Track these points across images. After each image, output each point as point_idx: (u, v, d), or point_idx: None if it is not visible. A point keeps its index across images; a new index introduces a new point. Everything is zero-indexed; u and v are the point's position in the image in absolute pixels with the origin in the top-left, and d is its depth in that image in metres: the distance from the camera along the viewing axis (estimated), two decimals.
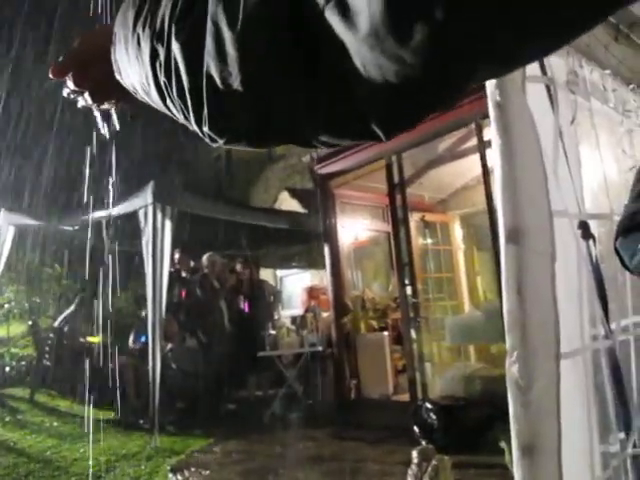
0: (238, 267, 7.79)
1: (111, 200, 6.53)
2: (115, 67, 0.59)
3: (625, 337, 2.06)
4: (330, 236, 6.82)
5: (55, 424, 6.64)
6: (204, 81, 0.43)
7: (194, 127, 0.48)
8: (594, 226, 1.96)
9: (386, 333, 6.77)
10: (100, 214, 7.14)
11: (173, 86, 0.47)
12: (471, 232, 7.78)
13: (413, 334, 6.02)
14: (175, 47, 0.45)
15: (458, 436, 4.31)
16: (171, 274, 6.46)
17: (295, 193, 9.79)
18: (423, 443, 4.32)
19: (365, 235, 7.79)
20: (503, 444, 3.19)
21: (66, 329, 8.34)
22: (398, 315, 6.80)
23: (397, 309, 6.91)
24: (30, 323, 9.31)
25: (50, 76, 0.68)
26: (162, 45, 0.47)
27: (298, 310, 8.67)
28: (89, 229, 7.94)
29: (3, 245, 8.17)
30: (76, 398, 7.46)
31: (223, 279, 7.48)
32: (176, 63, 0.45)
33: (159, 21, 0.47)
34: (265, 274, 9.50)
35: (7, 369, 8.53)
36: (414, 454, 3.08)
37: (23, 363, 8.78)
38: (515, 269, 1.64)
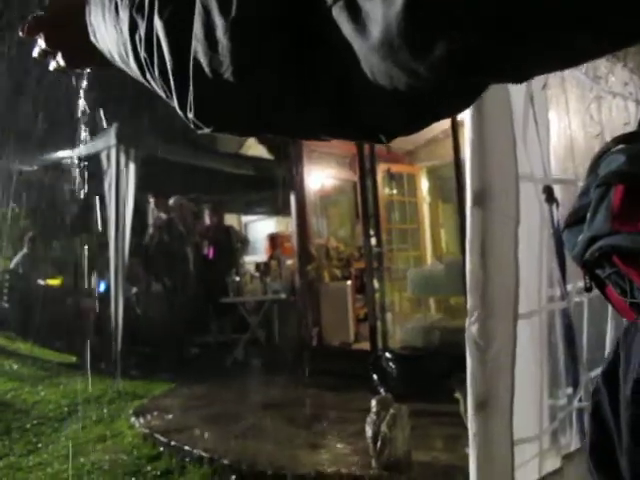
0: (205, 212, 7.71)
1: (74, 141, 6.34)
2: (90, 30, 0.56)
3: (579, 299, 2.13)
4: (296, 183, 6.79)
5: (15, 367, 6.61)
6: (190, 66, 0.41)
7: (177, 109, 0.46)
8: (558, 190, 2.00)
9: (349, 282, 6.86)
10: (61, 154, 6.94)
11: (155, 63, 0.44)
12: (437, 185, 7.84)
13: (376, 284, 6.11)
14: (158, 24, 0.42)
15: (416, 385, 4.45)
16: (136, 217, 6.37)
17: (262, 139, 9.64)
18: (382, 391, 4.46)
19: (331, 184, 7.78)
20: (458, 394, 3.31)
21: (21, 271, 8.21)
22: (362, 265, 6.88)
23: (361, 259, 6.99)
24: None
25: (20, 34, 0.64)
26: (142, 18, 0.44)
27: (262, 257, 8.69)
28: (49, 170, 7.74)
29: None
30: (36, 341, 7.42)
31: (189, 224, 7.42)
32: (158, 40, 0.43)
33: None
34: (230, 219, 9.44)
35: None
36: (373, 403, 3.17)
37: None
38: (480, 231, 1.67)
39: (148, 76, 0.47)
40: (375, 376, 4.75)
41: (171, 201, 7.36)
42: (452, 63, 0.30)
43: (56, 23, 0.63)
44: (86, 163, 6.45)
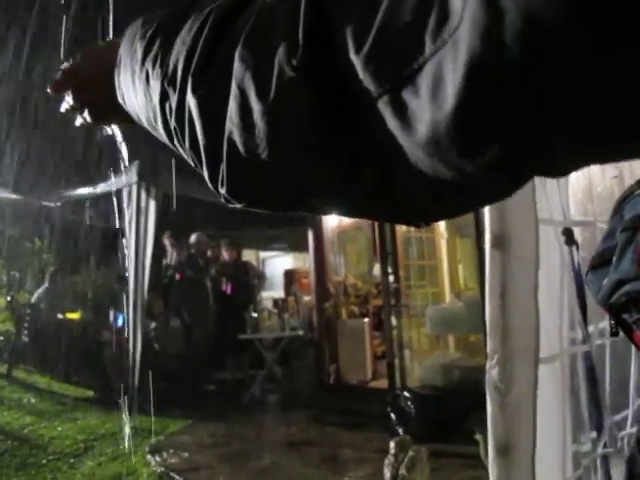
0: (223, 248, 7.77)
1: (96, 178, 6.48)
2: (119, 92, 0.57)
3: (601, 341, 2.10)
4: (314, 219, 6.83)
5: (33, 401, 6.63)
6: (224, 146, 0.41)
7: (207, 182, 0.46)
8: (577, 232, 1.99)
9: (367, 319, 6.83)
10: (84, 191, 7.07)
11: (186, 135, 0.45)
12: (454, 220, 7.82)
13: (393, 321, 6.08)
14: (191, 101, 0.43)
15: (434, 425, 4.38)
16: (157, 253, 6.45)
17: None
18: (400, 431, 4.40)
19: (348, 220, 7.80)
20: (478, 436, 3.25)
21: (42, 305, 8.29)
22: (379, 301, 6.85)
23: (378, 295, 6.97)
24: (9, 299, 9.22)
25: (49, 91, 0.66)
26: (174, 91, 0.45)
27: (279, 293, 8.69)
28: (72, 206, 7.88)
29: None
30: (54, 375, 7.45)
31: (209, 260, 7.48)
32: (190, 115, 0.43)
33: (172, 65, 0.45)
34: (248, 255, 9.49)
35: None
36: (391, 444, 3.13)
37: (1, 338, 8.71)
38: (499, 275, 1.67)
39: (176, 143, 0.48)
40: (393, 416, 4.68)
41: (192, 237, 7.45)
42: (504, 165, 0.29)
43: (83, 80, 0.64)
44: (108, 199, 6.57)
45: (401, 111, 0.30)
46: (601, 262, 0.87)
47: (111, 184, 6.35)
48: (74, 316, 8.24)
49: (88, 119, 0.67)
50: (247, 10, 0.42)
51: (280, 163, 0.39)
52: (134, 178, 6.03)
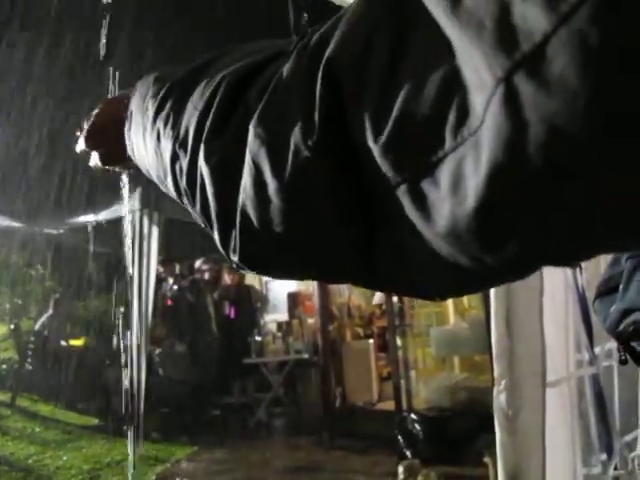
0: (225, 272, 7.77)
1: (99, 204, 6.51)
2: (128, 145, 0.58)
3: (608, 363, 2.10)
4: None
5: (37, 430, 6.58)
6: (238, 216, 0.41)
7: (218, 245, 0.47)
8: None
9: (371, 341, 6.80)
10: (86, 218, 7.10)
11: (197, 199, 0.45)
12: None
13: (398, 341, 6.06)
14: (204, 169, 0.43)
15: (443, 447, 4.35)
16: (160, 279, 6.45)
17: None
18: (408, 454, 4.36)
19: None
20: (487, 459, 3.23)
21: (46, 332, 8.27)
22: (383, 322, 6.83)
23: (382, 316, 6.95)
24: (12, 327, 9.20)
25: (77, 150, 0.70)
26: (185, 153, 0.45)
27: (283, 315, 8.66)
28: (73, 233, 7.90)
29: None
30: (58, 403, 7.40)
31: (212, 284, 7.48)
32: (202, 181, 0.44)
33: (183, 128, 0.46)
34: (250, 278, 9.48)
35: None
36: (400, 469, 3.11)
37: (4, 366, 8.67)
38: (504, 301, 1.68)
39: (186, 202, 0.48)
40: (401, 438, 4.65)
41: (197, 263, 7.47)
42: (523, 258, 0.30)
43: (96, 127, 0.67)
44: (110, 226, 6.60)
45: (421, 201, 0.30)
46: (608, 289, 0.87)
47: (114, 211, 6.38)
48: (78, 343, 8.23)
49: (99, 163, 0.69)
50: (262, 76, 0.42)
51: (294, 237, 0.39)
52: (137, 204, 6.06)
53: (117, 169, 0.75)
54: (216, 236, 0.45)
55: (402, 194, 0.31)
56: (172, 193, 0.51)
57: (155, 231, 6.07)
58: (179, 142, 0.46)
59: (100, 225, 6.95)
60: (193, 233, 7.02)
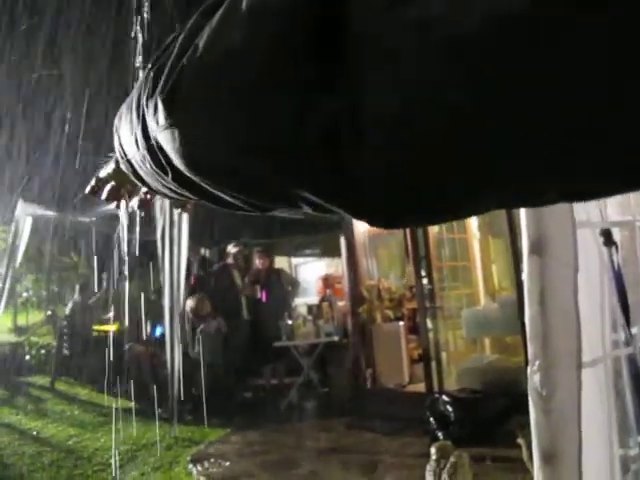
0: (256, 256, 7.81)
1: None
2: (117, 149, 0.61)
3: None
4: (345, 225, 6.83)
5: (76, 412, 6.76)
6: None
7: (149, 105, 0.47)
8: (616, 231, 1.95)
9: (402, 323, 6.79)
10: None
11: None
12: (486, 220, 7.73)
13: (429, 324, 6.04)
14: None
15: (475, 429, 4.33)
16: (191, 264, 6.52)
17: None
18: (439, 435, 4.36)
19: None
20: (520, 440, 3.20)
21: (78, 318, 8.45)
22: (414, 305, 6.81)
23: (412, 298, 6.92)
24: (49, 313, 9.44)
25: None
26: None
27: (313, 299, 8.70)
28: (105, 221, 8.01)
29: (21, 235, 8.28)
30: (95, 387, 7.59)
31: (243, 268, 7.55)
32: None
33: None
34: (280, 262, 9.53)
35: (27, 358, 8.67)
36: (432, 450, 3.10)
37: (43, 352, 8.91)
38: (538, 280, 1.65)
39: (149, 123, 0.49)
40: (432, 420, 4.65)
41: (229, 247, 7.54)
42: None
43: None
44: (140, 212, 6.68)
45: None
46: None
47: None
48: (112, 328, 8.39)
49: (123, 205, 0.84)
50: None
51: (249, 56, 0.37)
52: None
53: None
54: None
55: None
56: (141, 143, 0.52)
57: (185, 216, 6.12)
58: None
59: (131, 212, 7.05)
60: (223, 217, 7.08)
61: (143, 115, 0.47)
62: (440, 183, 0.31)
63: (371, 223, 0.39)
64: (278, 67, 0.34)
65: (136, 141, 0.51)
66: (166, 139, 0.44)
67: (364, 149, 0.31)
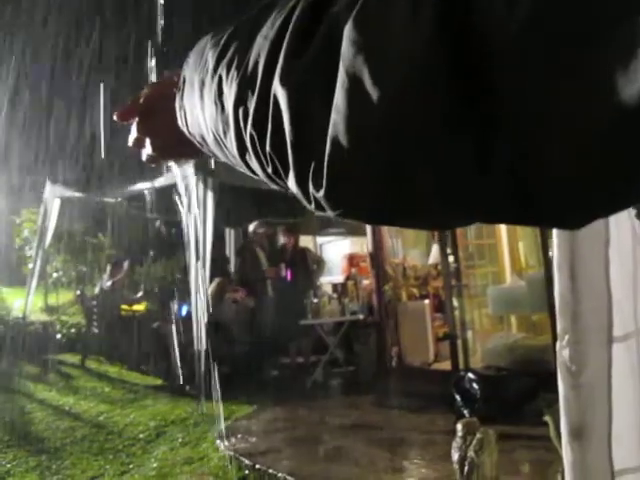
0: (281, 235, 7.83)
1: (154, 171, 6.64)
2: (179, 115, 0.55)
3: None
4: None
5: (106, 389, 6.91)
6: (327, 143, 0.35)
7: (293, 187, 0.41)
8: None
9: (427, 301, 6.77)
10: (142, 186, 7.27)
11: (266, 139, 0.40)
12: None
13: (454, 302, 6.01)
14: (279, 91, 0.37)
15: (501, 406, 4.32)
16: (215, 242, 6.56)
17: None
18: (465, 413, 4.35)
19: None
20: (547, 417, 3.18)
21: (106, 297, 8.60)
22: (439, 283, 6.78)
23: (438, 277, 6.89)
24: (78, 292, 9.62)
25: (115, 119, 0.66)
26: (252, 90, 0.40)
27: (338, 277, 8.72)
28: (131, 201, 8.11)
29: (50, 216, 8.42)
30: (124, 365, 7.75)
31: (267, 248, 7.58)
32: (276, 111, 0.38)
33: (251, 63, 0.41)
34: (305, 241, 9.55)
35: (58, 336, 8.86)
36: (459, 427, 3.10)
37: (73, 330, 9.11)
38: (568, 254, 1.61)
39: (249, 156, 0.44)
40: (458, 397, 4.64)
41: (251, 227, 7.56)
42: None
43: (148, 111, 0.64)
44: (166, 192, 6.74)
45: None
46: None
47: (169, 177, 6.50)
48: (140, 307, 8.53)
49: (149, 150, 0.66)
50: None
51: (399, 156, 0.33)
52: (191, 170, 6.15)
53: (169, 162, 0.74)
54: (291, 174, 0.40)
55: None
56: (233, 150, 0.46)
57: (210, 196, 6.16)
58: (246, 80, 0.41)
59: (157, 191, 7.12)
60: (247, 197, 7.10)
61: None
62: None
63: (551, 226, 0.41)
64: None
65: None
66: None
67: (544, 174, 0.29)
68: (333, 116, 0.34)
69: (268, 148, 0.40)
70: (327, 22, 0.35)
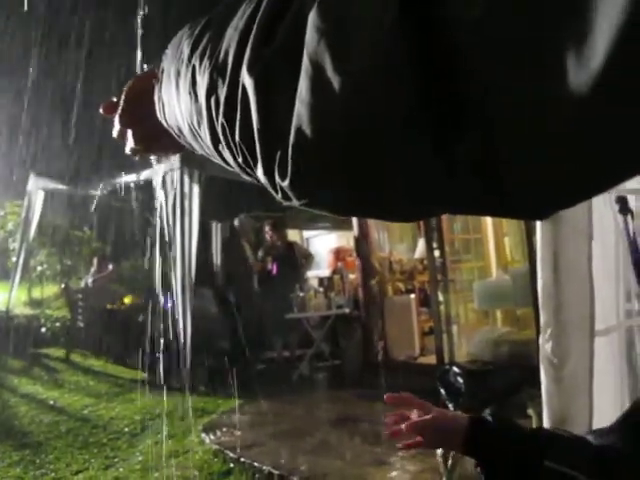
0: (268, 229, 7.80)
1: (140, 164, 6.59)
2: (158, 107, 0.55)
3: None
4: None
5: (91, 383, 6.87)
6: (291, 132, 0.35)
7: (260, 177, 0.41)
8: (632, 199, 1.92)
9: (413, 295, 6.80)
10: (127, 179, 7.21)
11: (236, 127, 0.40)
12: None
13: (440, 296, 6.03)
14: (247, 80, 0.37)
15: (485, 400, 4.34)
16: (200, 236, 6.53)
17: None
18: (450, 407, 4.37)
19: None
20: (531, 411, 3.21)
21: (91, 292, 8.55)
22: (425, 277, 6.81)
23: (424, 271, 6.92)
24: (63, 286, 9.54)
25: (100, 111, 0.67)
26: (224, 79, 0.40)
27: (324, 271, 8.73)
28: (115, 194, 8.04)
29: (34, 209, 8.33)
30: (108, 358, 7.70)
31: (253, 241, 7.56)
32: (244, 100, 0.38)
33: (222, 53, 0.41)
34: (292, 235, 9.54)
35: (43, 330, 8.79)
36: None
37: (57, 324, 9.03)
38: (552, 247, 1.63)
39: (221, 146, 0.44)
40: (443, 391, 4.66)
41: (236, 221, 7.53)
42: None
43: (129, 102, 0.64)
44: (152, 185, 6.69)
45: None
46: None
47: (154, 170, 6.45)
48: (125, 301, 8.48)
49: (133, 144, 0.67)
50: None
51: (363, 143, 0.32)
52: (176, 164, 6.11)
53: (152, 155, 0.74)
54: (259, 163, 0.40)
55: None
56: (206, 141, 0.47)
57: (196, 189, 6.12)
58: (217, 69, 0.41)
59: (142, 185, 7.06)
60: (234, 191, 7.07)
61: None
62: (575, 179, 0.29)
63: (520, 217, 0.37)
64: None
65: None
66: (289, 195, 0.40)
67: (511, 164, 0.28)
68: (297, 105, 0.34)
69: (237, 137, 0.40)
70: (293, 10, 0.35)
